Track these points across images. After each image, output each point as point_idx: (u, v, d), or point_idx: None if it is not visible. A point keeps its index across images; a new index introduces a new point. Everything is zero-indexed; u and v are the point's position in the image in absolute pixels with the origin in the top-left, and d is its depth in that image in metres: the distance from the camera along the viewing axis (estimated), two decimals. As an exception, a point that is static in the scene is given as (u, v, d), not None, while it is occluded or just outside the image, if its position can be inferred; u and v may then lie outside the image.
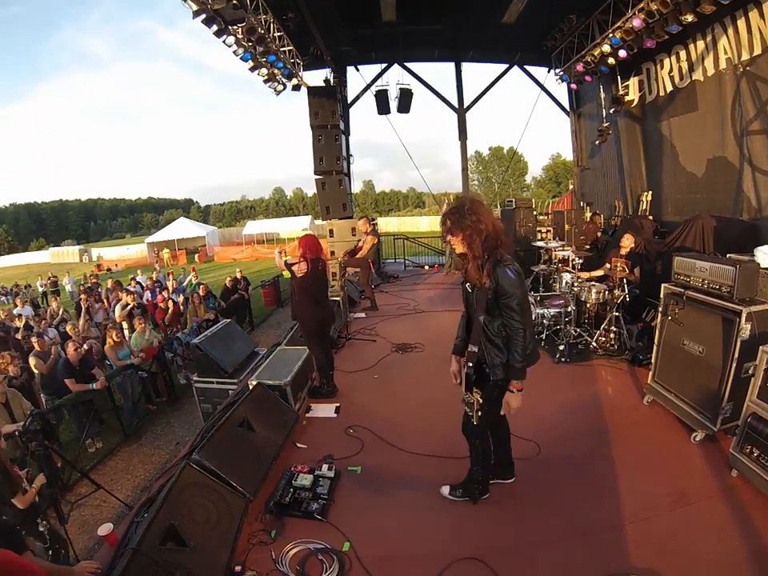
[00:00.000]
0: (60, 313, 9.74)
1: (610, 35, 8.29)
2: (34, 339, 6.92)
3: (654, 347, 3.96)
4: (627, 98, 9.71)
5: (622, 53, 8.38)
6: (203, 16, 6.60)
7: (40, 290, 19.88)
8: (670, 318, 3.70)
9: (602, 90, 10.58)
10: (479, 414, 2.59)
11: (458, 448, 3.06)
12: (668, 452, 3.32)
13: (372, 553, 2.57)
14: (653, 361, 3.99)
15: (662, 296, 3.84)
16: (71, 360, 5.92)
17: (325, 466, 3.32)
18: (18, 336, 8.56)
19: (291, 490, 3.07)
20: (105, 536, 2.69)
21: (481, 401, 2.56)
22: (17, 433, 3.97)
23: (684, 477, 3.02)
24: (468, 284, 2.60)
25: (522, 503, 2.91)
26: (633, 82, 9.67)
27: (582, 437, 3.60)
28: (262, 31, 7.51)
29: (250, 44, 7.61)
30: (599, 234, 9.34)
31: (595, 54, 8.99)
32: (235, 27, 7.11)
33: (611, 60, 8.82)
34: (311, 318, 4.59)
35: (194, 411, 6.38)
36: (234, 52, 7.64)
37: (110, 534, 2.69)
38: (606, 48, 8.61)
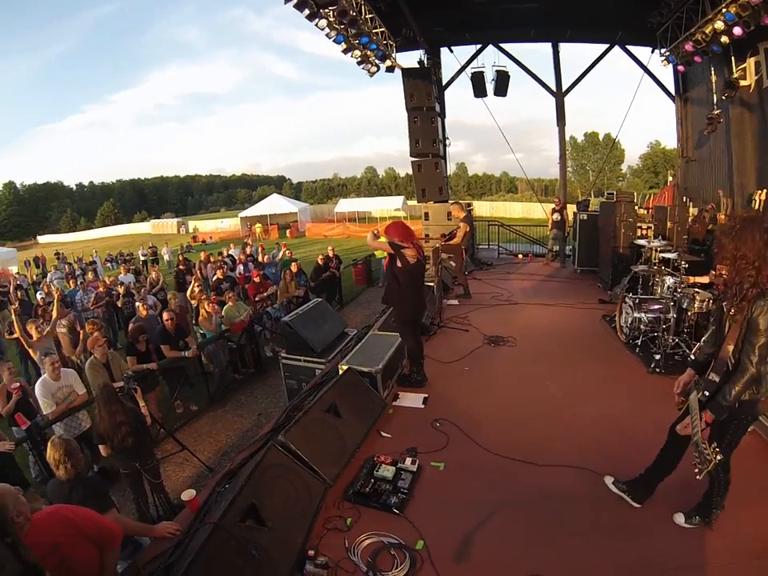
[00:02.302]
0: (160, 281, 10.50)
1: (724, 10, 7.28)
2: (138, 304, 7.58)
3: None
4: (742, 83, 8.54)
5: (737, 30, 7.36)
6: (295, 1, 6.70)
7: (141, 258, 21.90)
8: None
9: (713, 72, 9.28)
10: (707, 470, 2.27)
11: (544, 455, 2.92)
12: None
13: (445, 554, 2.55)
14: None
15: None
16: (167, 328, 6.35)
17: (408, 460, 3.31)
18: (119, 303, 9.46)
19: (372, 480, 3.09)
20: (187, 501, 2.88)
21: (718, 459, 2.25)
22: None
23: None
24: (725, 304, 2.40)
25: (600, 526, 2.73)
26: (749, 64, 8.42)
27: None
28: (354, 13, 7.46)
29: (342, 26, 7.62)
30: (705, 233, 8.46)
31: (706, 31, 7.95)
32: (327, 11, 7.14)
33: (724, 38, 7.77)
34: (410, 304, 4.47)
35: (278, 384, 6.67)
36: (327, 35, 7.70)
37: (192, 499, 2.88)
38: (719, 25, 7.59)
